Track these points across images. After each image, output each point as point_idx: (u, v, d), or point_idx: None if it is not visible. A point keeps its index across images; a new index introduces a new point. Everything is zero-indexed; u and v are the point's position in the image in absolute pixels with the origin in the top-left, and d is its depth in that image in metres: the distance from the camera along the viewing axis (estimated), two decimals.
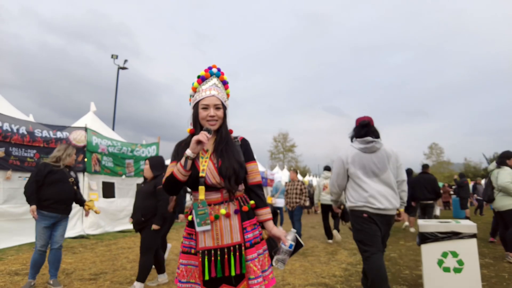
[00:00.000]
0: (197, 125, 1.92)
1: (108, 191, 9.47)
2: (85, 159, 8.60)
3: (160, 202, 4.01)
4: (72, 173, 4.48)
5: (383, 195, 3.01)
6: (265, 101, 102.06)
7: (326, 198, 7.48)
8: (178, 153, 1.93)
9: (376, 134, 3.21)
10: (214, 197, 1.80)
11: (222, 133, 1.89)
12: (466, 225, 3.45)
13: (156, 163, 4.34)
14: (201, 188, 1.76)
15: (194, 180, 1.79)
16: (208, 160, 1.83)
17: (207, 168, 1.79)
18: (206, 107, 1.86)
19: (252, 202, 1.87)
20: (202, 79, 1.97)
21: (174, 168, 1.81)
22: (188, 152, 1.73)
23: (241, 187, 1.89)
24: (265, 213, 1.86)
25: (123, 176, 9.91)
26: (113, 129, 15.52)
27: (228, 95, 2.04)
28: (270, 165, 41.18)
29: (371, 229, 2.99)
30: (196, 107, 1.92)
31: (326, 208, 7.66)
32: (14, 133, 7.15)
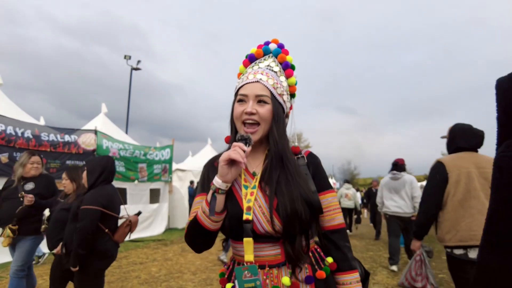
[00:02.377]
0: (232, 130, 1.24)
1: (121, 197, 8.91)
2: None
3: (79, 226, 2.56)
4: (29, 185, 3.65)
5: (396, 205, 5.62)
6: None
7: (347, 203, 10.36)
8: (207, 178, 1.24)
9: (401, 169, 5.77)
10: (270, 253, 1.09)
11: (274, 145, 1.17)
12: None
13: (94, 167, 2.83)
14: (248, 242, 1.07)
15: (234, 226, 1.10)
16: (256, 190, 1.13)
17: (254, 204, 1.10)
18: (242, 99, 1.18)
19: (330, 259, 1.15)
20: (250, 59, 1.29)
21: (199, 208, 1.13)
22: (217, 181, 1.06)
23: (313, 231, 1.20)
24: (351, 282, 1.12)
25: (136, 181, 9.33)
26: (126, 131, 15.15)
27: (292, 87, 1.30)
28: None
29: (389, 224, 5.83)
30: (233, 100, 1.25)
31: (345, 212, 10.41)
32: (18, 137, 6.64)
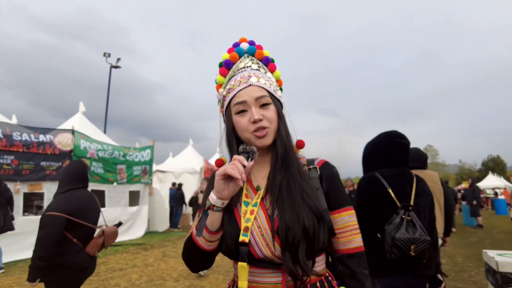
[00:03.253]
0: (233, 147, 1.09)
1: (98, 200, 8.56)
2: None
3: (39, 235, 2.29)
4: None
5: None
6: None
7: None
8: (207, 194, 1.10)
9: None
10: (269, 281, 0.96)
11: (279, 151, 1.05)
12: None
13: (63, 173, 2.64)
14: (242, 267, 0.95)
15: (231, 247, 0.98)
16: (257, 208, 1.00)
17: (253, 225, 0.98)
18: (243, 109, 1.04)
19: None
20: (227, 66, 1.15)
21: (194, 227, 1.02)
22: (212, 197, 0.96)
23: (323, 258, 1.05)
24: None
25: (115, 183, 9.01)
26: (104, 131, 14.70)
27: (279, 81, 1.20)
28: None
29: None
30: (228, 114, 1.10)
31: None
32: None
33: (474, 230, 11.48)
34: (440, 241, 3.24)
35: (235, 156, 0.94)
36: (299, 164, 1.07)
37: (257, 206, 1.00)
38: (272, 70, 1.17)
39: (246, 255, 0.94)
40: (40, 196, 7.38)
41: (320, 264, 1.01)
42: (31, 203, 7.48)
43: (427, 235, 1.91)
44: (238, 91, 1.06)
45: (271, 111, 1.04)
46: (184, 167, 13.51)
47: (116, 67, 17.93)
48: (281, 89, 1.20)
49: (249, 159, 0.96)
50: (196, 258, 1.03)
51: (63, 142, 7.62)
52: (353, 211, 1.06)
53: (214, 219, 0.96)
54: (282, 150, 1.05)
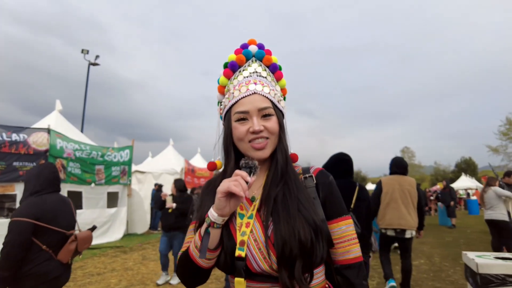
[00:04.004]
0: (230, 155, 1.06)
1: (75, 201, 8.25)
2: None
3: (4, 242, 2.14)
4: None
5: None
6: None
7: None
8: (202, 205, 1.06)
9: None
10: None
11: (278, 163, 1.03)
12: None
13: (29, 176, 2.46)
14: (239, 283, 0.92)
15: (228, 262, 0.95)
16: (253, 221, 0.98)
17: (249, 238, 0.95)
18: (243, 118, 1.01)
19: None
20: (232, 68, 1.10)
21: (191, 242, 0.98)
22: (212, 214, 0.91)
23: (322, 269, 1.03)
24: None
25: (93, 184, 8.74)
26: (81, 130, 14.27)
27: (284, 90, 1.17)
28: None
29: None
30: (228, 119, 1.07)
31: None
32: None
33: (449, 230, 11.84)
34: (414, 233, 4.26)
35: (237, 172, 0.89)
36: (296, 176, 1.04)
37: (252, 218, 0.97)
38: (279, 78, 1.13)
39: (243, 270, 0.91)
40: (12, 198, 7.03)
41: (319, 276, 0.99)
42: (3, 205, 7.13)
43: (359, 228, 3.02)
44: (241, 98, 1.02)
45: (273, 122, 1.01)
46: (164, 167, 13.25)
47: (94, 64, 17.45)
48: (284, 98, 1.17)
49: (251, 174, 0.92)
50: (193, 275, 0.99)
51: (38, 141, 7.32)
52: (350, 220, 1.05)
53: (213, 236, 0.92)
54: (282, 163, 1.02)
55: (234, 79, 1.09)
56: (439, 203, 14.43)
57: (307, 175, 1.07)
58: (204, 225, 0.92)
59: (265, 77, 1.08)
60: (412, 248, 4.45)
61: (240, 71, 1.09)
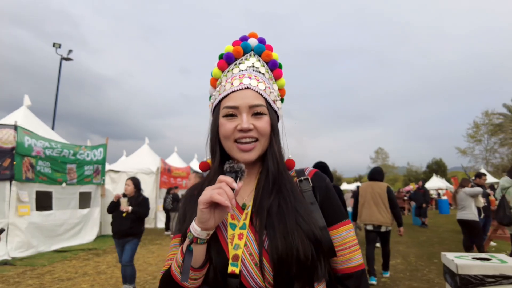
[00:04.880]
0: (216, 154, 0.97)
1: (44, 202, 7.89)
2: (14, 164, 6.98)
3: None
4: None
5: None
6: None
7: None
8: (183, 215, 0.97)
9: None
10: None
11: (269, 171, 0.93)
12: None
13: None
14: None
15: (219, 279, 0.84)
16: (246, 231, 0.88)
17: (244, 252, 0.85)
18: (232, 113, 0.92)
19: None
20: (228, 60, 1.01)
21: (173, 261, 0.87)
22: (195, 228, 0.80)
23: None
24: None
25: (64, 184, 8.35)
26: (52, 127, 13.69)
27: (282, 90, 1.08)
28: None
29: None
30: (216, 114, 0.97)
31: None
32: None
33: (422, 229, 12.19)
34: (389, 228, 5.18)
35: (221, 177, 0.79)
36: (293, 184, 0.95)
37: (245, 228, 0.87)
38: (278, 77, 1.04)
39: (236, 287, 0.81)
40: None
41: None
42: None
43: None
44: (232, 92, 0.93)
45: (264, 122, 0.92)
46: (139, 167, 12.90)
47: (67, 59, 16.77)
48: (282, 99, 1.08)
49: (238, 180, 0.81)
50: None
51: (4, 138, 6.90)
52: (350, 225, 0.97)
53: (198, 254, 0.81)
54: (274, 170, 0.93)
55: (228, 71, 1.00)
56: (412, 203, 14.86)
57: (302, 178, 0.98)
58: (186, 242, 0.80)
59: (263, 74, 0.99)
60: (390, 246, 5.51)
61: (236, 64, 1.00)
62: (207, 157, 1.02)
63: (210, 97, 1.06)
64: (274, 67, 1.04)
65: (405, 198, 19.90)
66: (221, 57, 1.03)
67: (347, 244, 0.93)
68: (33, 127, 7.98)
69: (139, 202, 4.73)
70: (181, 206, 1.01)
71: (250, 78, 0.94)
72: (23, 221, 7.11)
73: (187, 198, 1.02)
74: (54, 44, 16.48)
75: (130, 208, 4.59)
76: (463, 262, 2.91)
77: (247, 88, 0.93)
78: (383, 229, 5.17)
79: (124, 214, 4.57)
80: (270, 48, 1.05)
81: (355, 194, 5.57)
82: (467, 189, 6.33)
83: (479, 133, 34.78)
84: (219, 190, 0.75)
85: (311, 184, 0.97)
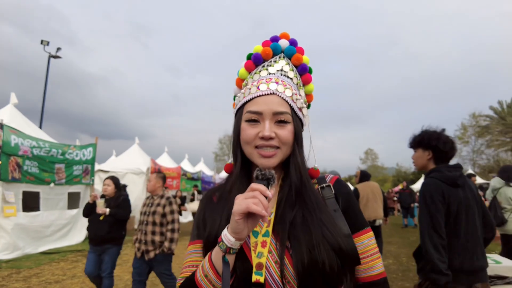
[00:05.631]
0: (237, 157, 0.94)
1: (31, 202, 7.69)
2: None
3: None
4: None
5: None
6: (208, 101, 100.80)
7: None
8: (203, 221, 0.95)
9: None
10: None
11: (291, 182, 0.91)
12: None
13: None
14: None
15: (240, 286, 0.81)
16: (269, 239, 0.85)
17: (268, 259, 0.82)
18: (255, 119, 0.89)
19: None
20: (256, 61, 0.98)
21: (198, 269, 0.83)
22: (228, 238, 0.76)
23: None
24: None
25: (52, 184, 8.16)
26: (40, 126, 13.43)
27: (309, 96, 1.05)
28: (216, 167, 39.85)
29: None
30: (238, 116, 0.95)
31: None
32: None
33: (413, 229, 12.34)
34: (381, 222, 5.86)
35: (254, 186, 0.76)
36: (317, 196, 0.92)
37: (268, 236, 0.85)
38: (307, 82, 1.01)
39: None
40: None
41: None
42: None
43: None
44: (257, 96, 0.90)
45: (287, 131, 0.89)
46: (129, 167, 12.73)
47: (56, 57, 16.48)
48: (309, 105, 1.06)
49: (269, 187, 0.79)
50: None
51: None
52: (371, 233, 0.95)
53: (230, 261, 0.79)
54: (296, 181, 0.90)
55: (255, 73, 0.97)
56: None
57: (324, 185, 0.97)
58: (218, 252, 0.77)
59: (291, 78, 0.96)
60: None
61: (264, 66, 0.97)
62: (230, 160, 1.00)
63: (235, 97, 1.02)
64: (303, 71, 1.01)
65: (395, 198, 20.09)
66: (249, 57, 1.00)
67: (369, 252, 0.92)
68: (20, 125, 7.78)
69: (119, 203, 4.29)
70: (199, 211, 0.98)
71: (277, 83, 0.92)
72: (9, 222, 6.92)
73: (206, 203, 0.99)
74: (42, 42, 16.18)
75: (107, 210, 4.15)
76: None
77: (273, 93, 0.90)
78: (377, 223, 5.69)
79: (101, 218, 4.15)
80: (301, 51, 1.02)
81: (356, 195, 5.81)
82: None
83: (467, 135, 35.41)
84: (255, 200, 0.72)
85: (333, 191, 0.96)
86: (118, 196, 4.37)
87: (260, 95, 0.90)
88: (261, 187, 0.75)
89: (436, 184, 2.20)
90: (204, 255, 0.88)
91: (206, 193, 1.03)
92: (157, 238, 3.82)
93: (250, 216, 0.75)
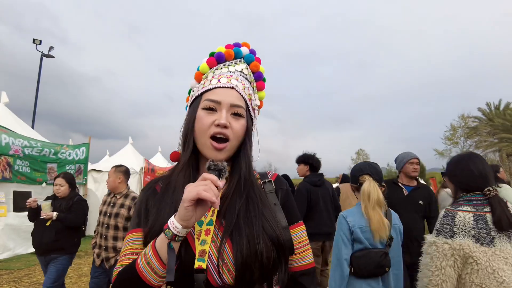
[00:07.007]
0: (189, 146, 0.96)
1: (22, 202, 7.59)
2: None
3: None
4: None
5: None
6: None
7: None
8: (145, 209, 0.96)
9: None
10: None
11: (241, 172, 0.96)
12: None
13: None
14: None
15: (183, 276, 0.83)
16: (213, 227, 0.89)
17: (211, 247, 0.87)
18: (212, 107, 0.92)
19: None
20: (218, 59, 1.03)
21: (139, 256, 0.83)
22: (175, 226, 0.77)
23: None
24: None
25: (44, 184, 8.09)
26: (32, 125, 13.29)
27: (261, 102, 1.12)
28: None
29: None
30: (194, 105, 0.98)
31: None
32: None
33: None
34: None
35: (206, 175, 0.78)
36: (260, 189, 0.99)
37: (212, 224, 0.88)
38: (260, 89, 1.11)
39: (203, 283, 0.80)
40: None
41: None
42: None
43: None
44: (218, 87, 0.95)
45: (240, 124, 0.95)
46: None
47: (48, 56, 16.30)
48: (258, 111, 1.14)
49: (220, 178, 0.81)
50: None
51: None
52: (303, 226, 1.04)
53: (174, 249, 0.80)
54: (246, 172, 0.96)
55: (216, 69, 1.03)
56: None
57: (265, 180, 1.04)
58: (163, 239, 0.79)
59: (250, 82, 1.05)
60: None
61: (225, 64, 1.04)
62: (178, 148, 1.02)
63: (190, 90, 1.06)
64: (259, 78, 1.10)
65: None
66: (212, 54, 1.05)
67: (302, 243, 1.01)
68: (11, 125, 7.69)
69: (71, 206, 3.57)
70: (141, 200, 0.98)
71: (237, 80, 0.99)
72: None
73: (149, 192, 1.00)
74: (34, 40, 16.00)
75: (54, 214, 3.46)
76: None
77: (232, 88, 0.96)
78: None
79: (48, 223, 3.47)
80: (259, 61, 1.11)
81: (337, 193, 6.18)
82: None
83: (456, 136, 35.76)
84: (206, 187, 0.74)
85: (274, 186, 1.03)
86: (73, 197, 3.71)
87: (220, 87, 0.95)
88: (213, 177, 0.77)
89: (305, 185, 4.27)
90: (145, 244, 0.89)
91: (148, 183, 1.05)
92: (120, 244, 3.26)
93: (200, 204, 0.76)
